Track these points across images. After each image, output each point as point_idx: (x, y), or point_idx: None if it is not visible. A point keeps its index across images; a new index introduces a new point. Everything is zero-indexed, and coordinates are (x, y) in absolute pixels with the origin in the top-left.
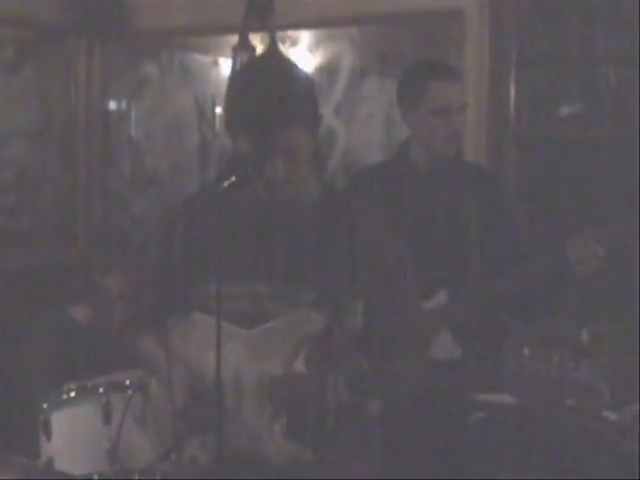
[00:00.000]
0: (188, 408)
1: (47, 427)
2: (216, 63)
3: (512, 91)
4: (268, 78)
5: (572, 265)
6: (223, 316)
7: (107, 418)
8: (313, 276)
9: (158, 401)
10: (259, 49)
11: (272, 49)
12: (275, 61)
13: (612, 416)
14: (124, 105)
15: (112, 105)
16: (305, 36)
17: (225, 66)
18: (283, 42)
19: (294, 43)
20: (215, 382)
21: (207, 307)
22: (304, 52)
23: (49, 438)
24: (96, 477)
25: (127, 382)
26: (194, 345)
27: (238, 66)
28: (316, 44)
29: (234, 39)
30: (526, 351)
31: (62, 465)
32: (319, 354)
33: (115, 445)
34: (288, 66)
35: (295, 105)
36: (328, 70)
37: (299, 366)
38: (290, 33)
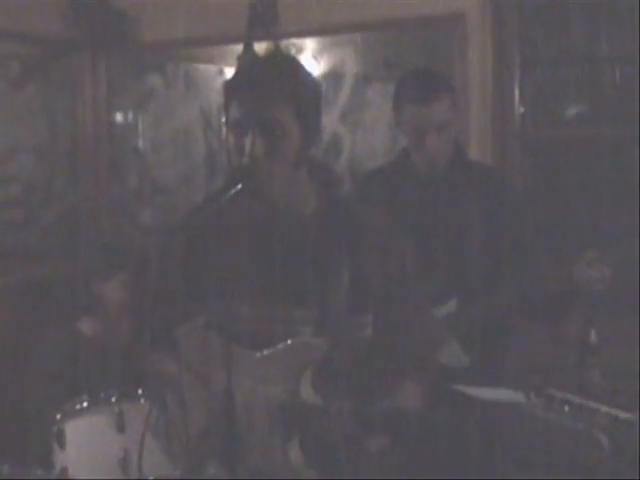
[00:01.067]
0: (207, 428)
1: (61, 437)
2: (221, 73)
3: (516, 93)
4: (271, 60)
5: (579, 285)
6: (229, 335)
7: (120, 428)
8: (315, 294)
9: (175, 414)
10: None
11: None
12: (282, 52)
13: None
14: (130, 117)
15: (118, 117)
16: (309, 44)
17: (230, 76)
18: (287, 50)
19: (298, 51)
20: (226, 404)
21: (217, 326)
22: (308, 59)
23: (63, 448)
24: None
25: (139, 392)
26: (202, 361)
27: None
28: (320, 51)
29: (238, 49)
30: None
31: (76, 475)
32: (324, 379)
33: (140, 455)
34: (294, 58)
35: (288, 86)
36: (333, 77)
37: (305, 391)
38: (294, 41)
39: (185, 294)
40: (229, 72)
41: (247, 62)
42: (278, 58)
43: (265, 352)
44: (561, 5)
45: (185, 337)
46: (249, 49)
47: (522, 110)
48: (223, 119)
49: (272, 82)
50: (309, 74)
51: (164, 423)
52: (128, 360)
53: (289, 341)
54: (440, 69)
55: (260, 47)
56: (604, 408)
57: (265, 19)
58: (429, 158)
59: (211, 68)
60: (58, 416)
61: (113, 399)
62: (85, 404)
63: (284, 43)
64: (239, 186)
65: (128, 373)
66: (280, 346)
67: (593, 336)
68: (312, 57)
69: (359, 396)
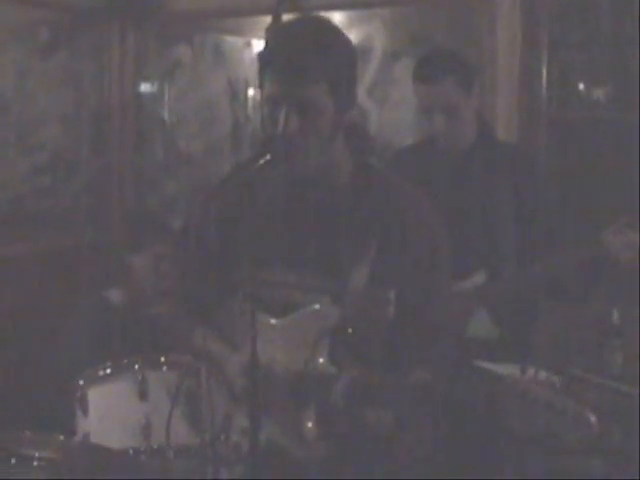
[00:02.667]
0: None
1: (83, 403)
2: (249, 45)
3: (544, 73)
4: (308, 31)
5: (608, 253)
6: (256, 304)
7: (143, 395)
8: (343, 265)
9: (205, 383)
10: None
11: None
12: (320, 19)
13: None
14: (157, 88)
15: (145, 88)
16: (337, 18)
17: (258, 48)
18: (321, 24)
19: None
20: (250, 372)
21: (241, 292)
22: None
23: (85, 414)
24: (131, 452)
25: (162, 359)
26: (233, 331)
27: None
28: (348, 26)
29: (267, 20)
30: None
31: (98, 441)
32: (341, 349)
33: (168, 423)
34: (332, 27)
35: (324, 63)
36: (360, 52)
37: (322, 360)
38: (322, 14)
39: (217, 262)
40: (257, 44)
41: (280, 36)
42: (312, 33)
43: (283, 319)
44: None
45: (219, 307)
46: (278, 21)
47: (549, 91)
48: (250, 91)
49: (306, 59)
50: (344, 44)
51: (191, 392)
52: (154, 329)
53: (307, 309)
54: (453, 51)
55: (293, 20)
56: (623, 388)
57: None
58: (443, 137)
59: (239, 40)
60: (81, 382)
61: (136, 366)
62: (108, 371)
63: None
64: (268, 156)
65: (153, 342)
66: (298, 313)
67: (616, 317)
68: None
69: (377, 369)
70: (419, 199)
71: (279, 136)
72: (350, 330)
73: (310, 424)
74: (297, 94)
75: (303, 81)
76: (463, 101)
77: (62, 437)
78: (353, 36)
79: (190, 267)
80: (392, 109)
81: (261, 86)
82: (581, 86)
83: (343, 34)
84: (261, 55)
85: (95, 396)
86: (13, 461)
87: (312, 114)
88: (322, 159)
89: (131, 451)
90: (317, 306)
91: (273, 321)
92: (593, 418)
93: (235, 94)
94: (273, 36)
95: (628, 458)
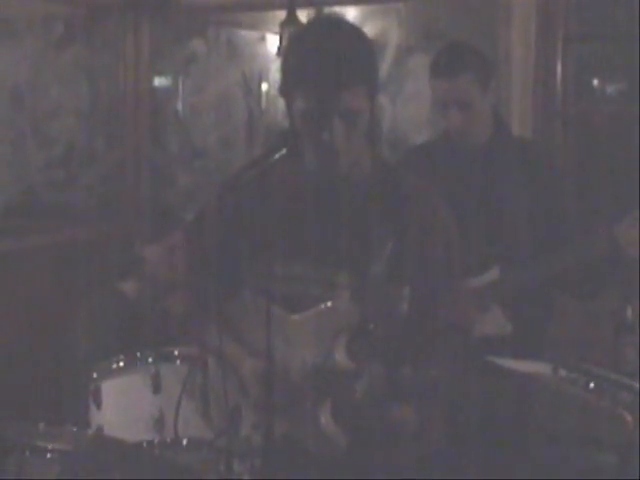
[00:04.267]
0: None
1: (97, 396)
2: (263, 39)
3: (558, 68)
4: (332, 36)
5: (620, 247)
6: (270, 297)
7: (156, 388)
8: (357, 260)
9: (214, 376)
10: None
11: (331, 15)
12: (336, 22)
13: None
14: (171, 81)
15: (160, 81)
16: (352, 12)
17: (272, 42)
18: (345, 26)
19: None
20: (266, 367)
21: (256, 287)
22: None
23: (99, 407)
24: (145, 445)
25: (176, 353)
26: (247, 326)
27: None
28: (363, 20)
29: (281, 15)
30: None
31: (111, 434)
32: (360, 345)
33: (176, 415)
34: (350, 27)
35: (357, 67)
36: (375, 47)
37: (340, 356)
38: (337, 9)
39: (232, 255)
40: (271, 38)
41: (305, 47)
42: (337, 37)
43: (302, 315)
44: None
45: (232, 301)
46: (293, 15)
47: (564, 85)
48: (264, 85)
49: (341, 66)
50: (366, 42)
51: (202, 386)
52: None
53: (325, 304)
54: (471, 45)
55: (310, 27)
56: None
57: None
58: (458, 133)
59: (253, 34)
60: (95, 375)
61: (150, 359)
62: (122, 364)
63: (326, 11)
64: (284, 151)
65: (166, 335)
66: (316, 309)
67: (630, 313)
68: None
69: (393, 364)
70: (432, 196)
71: (326, 144)
72: (371, 326)
73: (326, 419)
74: (341, 103)
75: (344, 89)
76: (479, 97)
77: (75, 430)
78: (367, 30)
79: (202, 259)
80: (407, 104)
81: (290, 103)
82: (596, 81)
83: (362, 31)
84: (289, 70)
85: (109, 389)
86: (27, 453)
87: (355, 119)
88: (350, 158)
89: (145, 444)
90: (335, 302)
91: (291, 316)
92: (629, 417)
93: (249, 88)
94: (297, 48)
95: None
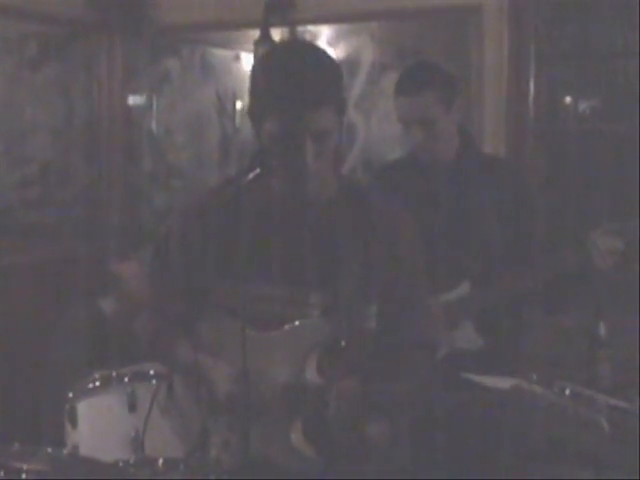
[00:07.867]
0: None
1: (73, 415)
2: (237, 58)
3: (531, 86)
4: (297, 60)
5: (592, 258)
6: (241, 317)
7: (132, 407)
8: (327, 278)
9: (183, 395)
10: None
11: (297, 37)
12: (302, 45)
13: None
14: (146, 100)
15: (134, 100)
16: (325, 31)
17: (246, 61)
18: (304, 37)
19: (314, 38)
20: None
21: (226, 307)
22: (324, 46)
23: (74, 426)
24: (121, 464)
25: (151, 372)
26: (217, 346)
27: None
28: (336, 39)
29: (255, 34)
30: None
31: (87, 453)
32: (330, 362)
33: (142, 432)
34: (315, 50)
35: (325, 88)
36: (348, 65)
37: (310, 374)
38: (310, 28)
39: (198, 276)
40: (245, 57)
41: (275, 70)
42: (306, 60)
43: (272, 333)
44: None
45: (200, 320)
46: (266, 34)
47: (536, 103)
48: (238, 103)
49: (311, 88)
50: (333, 63)
51: (168, 404)
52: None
53: (296, 323)
54: (436, 64)
55: (278, 51)
56: (612, 401)
57: (282, 5)
58: (422, 150)
59: (227, 53)
60: (70, 394)
61: (125, 379)
62: (98, 383)
63: (300, 30)
64: (257, 171)
65: (141, 353)
66: (286, 328)
67: (602, 329)
68: (328, 44)
69: (364, 381)
70: (397, 214)
71: (295, 165)
72: (342, 343)
73: (296, 436)
74: (312, 124)
75: (313, 110)
76: (442, 115)
77: (51, 450)
78: (341, 49)
79: (167, 279)
80: (380, 122)
81: (258, 124)
82: (568, 99)
83: (327, 52)
84: (258, 93)
85: (84, 408)
86: (1, 474)
87: (325, 139)
88: (319, 178)
89: (120, 463)
90: (306, 320)
91: (261, 335)
92: (605, 423)
93: (223, 107)
94: (264, 72)
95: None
